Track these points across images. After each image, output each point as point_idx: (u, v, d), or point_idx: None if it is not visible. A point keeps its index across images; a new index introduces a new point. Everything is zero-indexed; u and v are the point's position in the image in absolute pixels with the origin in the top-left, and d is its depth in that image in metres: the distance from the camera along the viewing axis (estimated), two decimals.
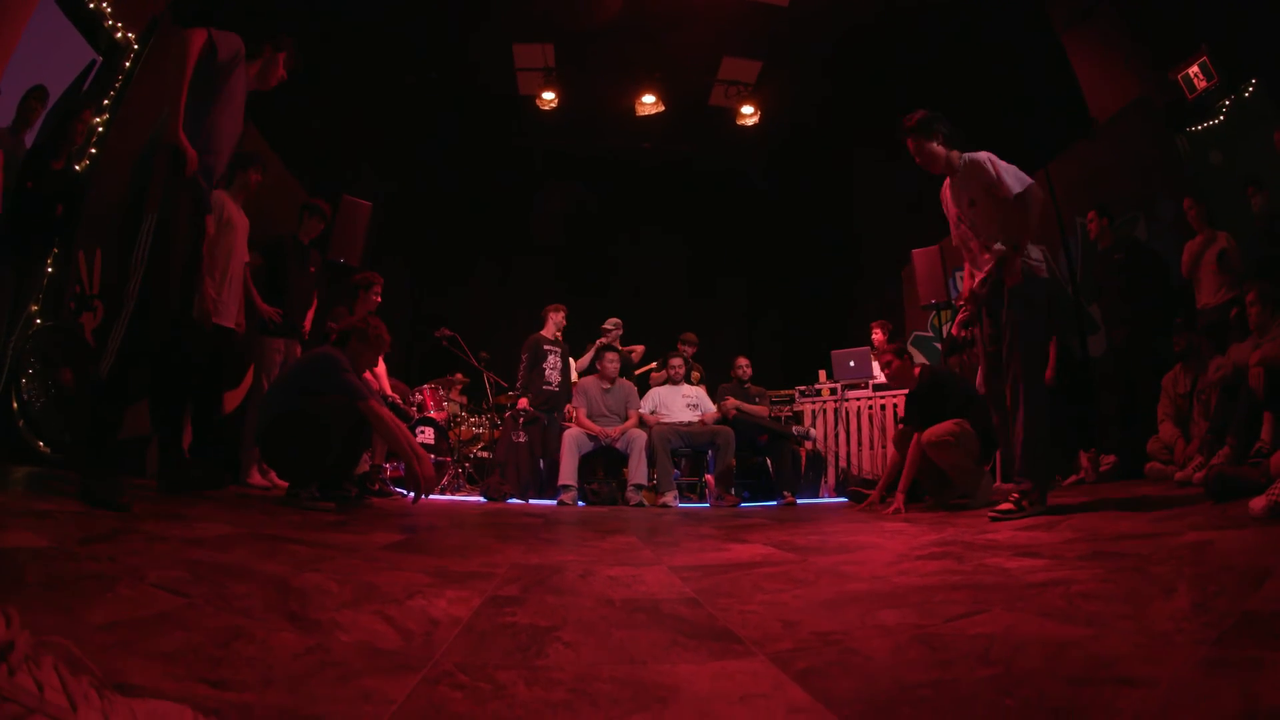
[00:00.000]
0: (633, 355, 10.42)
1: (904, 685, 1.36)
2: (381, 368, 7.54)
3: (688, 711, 1.23)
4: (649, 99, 11.87)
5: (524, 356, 9.09)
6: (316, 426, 4.99)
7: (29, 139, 5.94)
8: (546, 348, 9.07)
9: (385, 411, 5.27)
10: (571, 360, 9.66)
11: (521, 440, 8.64)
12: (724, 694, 1.33)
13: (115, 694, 0.90)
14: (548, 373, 8.92)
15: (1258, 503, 3.11)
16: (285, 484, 5.65)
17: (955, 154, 5.06)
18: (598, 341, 9.65)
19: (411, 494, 5.33)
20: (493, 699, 1.27)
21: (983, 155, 4.88)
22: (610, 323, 9.99)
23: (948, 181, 5.21)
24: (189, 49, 4.30)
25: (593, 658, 1.58)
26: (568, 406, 9.00)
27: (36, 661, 0.83)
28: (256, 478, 6.56)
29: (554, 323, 9.24)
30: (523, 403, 8.78)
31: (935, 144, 5.07)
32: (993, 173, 4.75)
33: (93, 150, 6.22)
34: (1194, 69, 7.54)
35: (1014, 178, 4.70)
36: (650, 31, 10.65)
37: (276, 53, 4.86)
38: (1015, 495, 4.40)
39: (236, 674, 1.31)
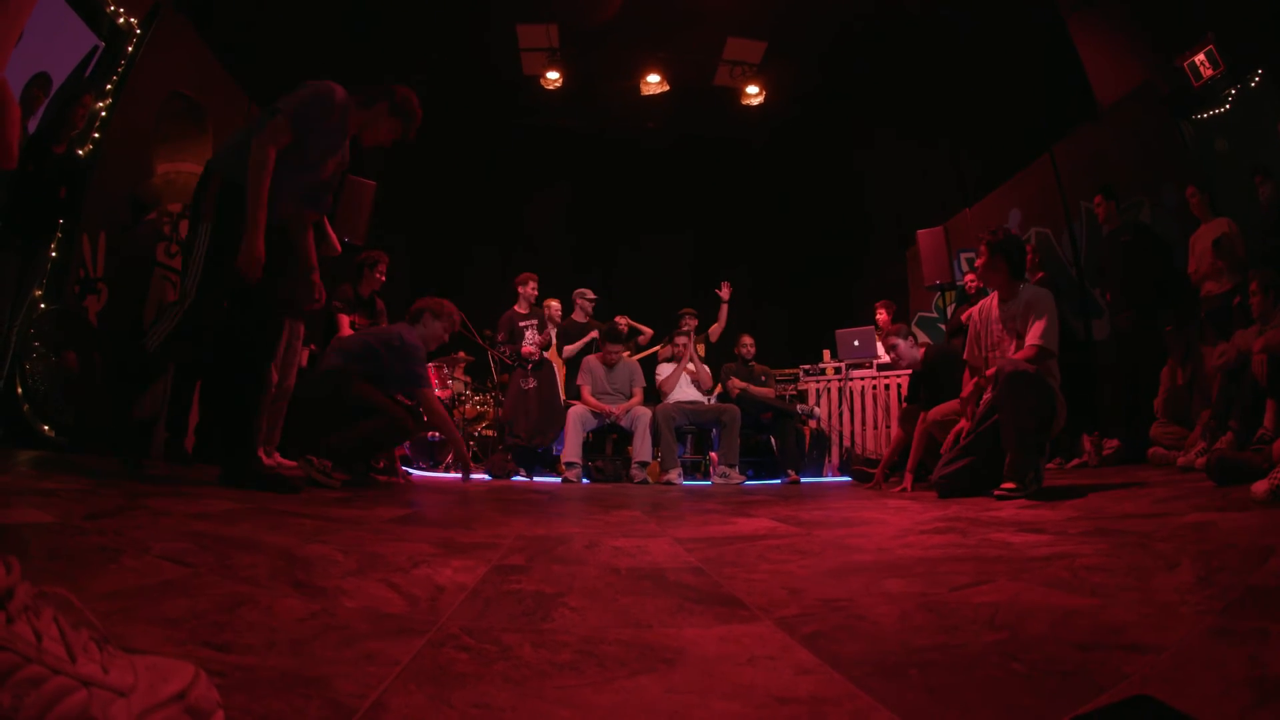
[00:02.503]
0: (640, 339, 10.43)
1: (911, 649, 1.36)
2: None
3: (695, 672, 1.23)
4: (654, 79, 11.81)
5: (500, 336, 9.11)
6: (363, 417, 5.15)
7: (31, 126, 5.93)
8: (522, 324, 9.07)
9: (438, 401, 5.69)
10: (552, 328, 9.65)
11: (531, 386, 8.66)
12: (731, 656, 1.33)
13: (115, 648, 0.89)
14: (526, 348, 8.91)
15: (1260, 486, 3.11)
16: (291, 463, 5.66)
17: (1019, 284, 5.09)
18: (590, 335, 9.64)
19: (460, 474, 5.77)
20: (499, 660, 1.27)
21: (1046, 296, 4.91)
22: (585, 293, 10.05)
23: (995, 299, 5.23)
24: (264, 173, 4.00)
25: (599, 621, 1.58)
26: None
27: (36, 611, 0.82)
28: (262, 458, 6.56)
29: (524, 296, 9.24)
30: (526, 349, 8.79)
31: (1005, 265, 5.08)
32: (1039, 317, 4.80)
33: (95, 135, 6.21)
34: (1200, 56, 7.47)
35: (1046, 330, 4.73)
36: (654, 11, 10.59)
37: (391, 115, 4.68)
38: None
39: (240, 638, 1.31)
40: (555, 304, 9.92)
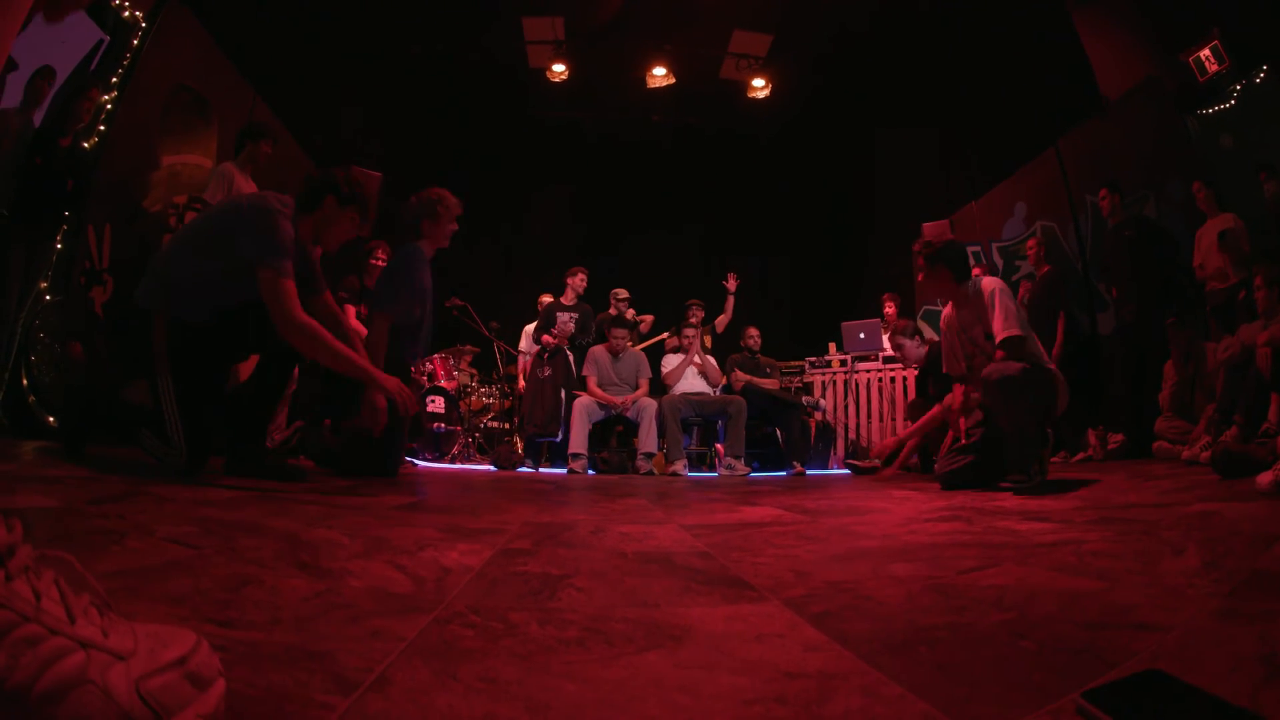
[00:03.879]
0: (641, 326, 10.43)
1: (919, 627, 1.36)
2: None
3: (702, 649, 1.23)
4: (660, 71, 11.81)
5: (539, 322, 9.08)
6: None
7: (37, 119, 5.95)
8: (559, 314, 9.06)
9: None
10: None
11: (546, 375, 8.65)
12: (738, 634, 1.33)
13: (116, 614, 0.89)
14: (545, 337, 8.89)
15: (1264, 478, 3.13)
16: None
17: (964, 286, 4.98)
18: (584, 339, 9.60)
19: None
20: (505, 636, 1.27)
21: (988, 284, 4.79)
22: (619, 293, 10.04)
23: (951, 307, 5.15)
24: None
25: (605, 601, 1.58)
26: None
27: (37, 572, 0.81)
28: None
29: (572, 287, 9.25)
30: (547, 339, 8.78)
31: (948, 271, 4.97)
32: (991, 307, 4.70)
33: (101, 128, 6.22)
34: (1205, 52, 7.50)
35: (1005, 319, 4.62)
36: (660, 4, 10.61)
37: (343, 207, 4.14)
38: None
39: (244, 615, 1.30)
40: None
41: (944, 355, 5.26)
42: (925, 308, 11.99)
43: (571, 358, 8.87)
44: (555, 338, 8.78)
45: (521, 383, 9.69)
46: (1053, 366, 4.70)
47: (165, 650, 0.85)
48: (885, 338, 9.77)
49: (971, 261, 10.30)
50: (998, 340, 4.62)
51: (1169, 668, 1.04)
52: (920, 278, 5.15)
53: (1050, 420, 4.61)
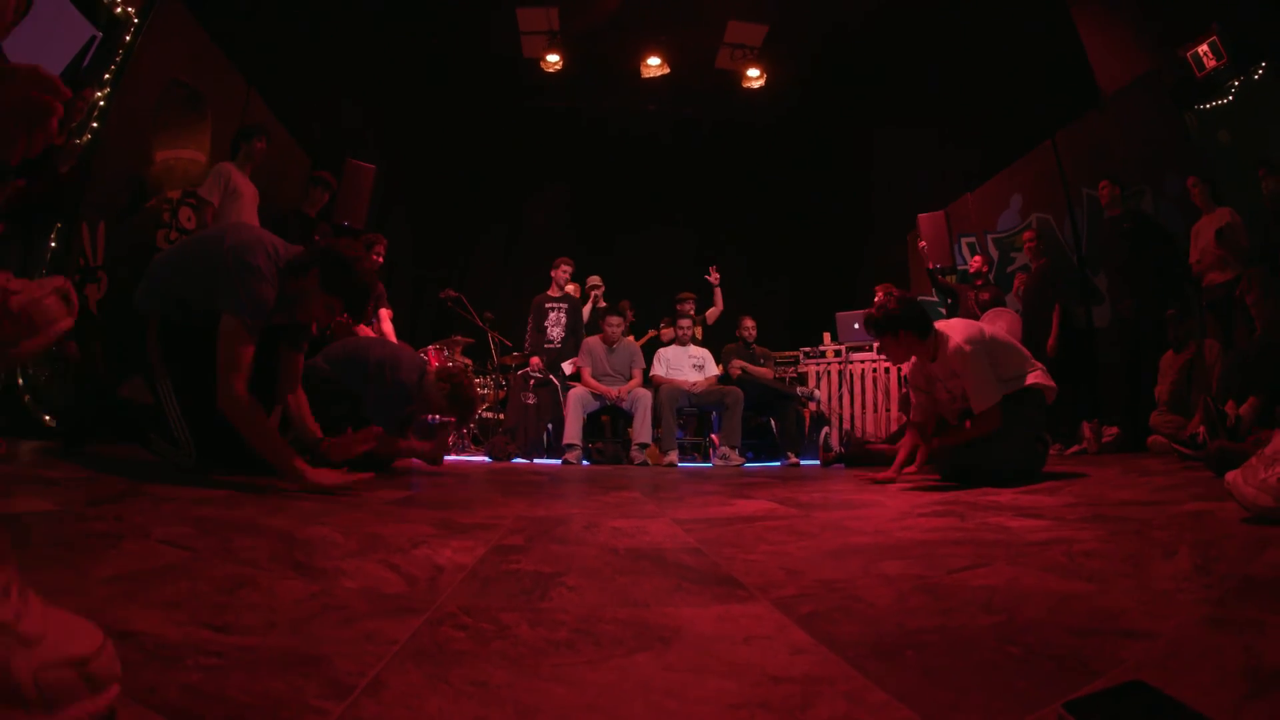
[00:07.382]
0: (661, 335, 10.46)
1: (907, 630, 1.36)
2: (388, 326, 7.58)
3: (691, 651, 1.24)
4: (654, 61, 11.80)
5: (530, 320, 9.12)
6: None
7: None
8: (548, 305, 9.10)
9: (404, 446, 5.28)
10: (584, 312, 9.70)
11: (530, 402, 8.64)
12: (727, 635, 1.34)
13: (33, 594, 0.89)
14: (549, 330, 8.93)
15: (1232, 475, 3.12)
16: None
17: (932, 338, 4.59)
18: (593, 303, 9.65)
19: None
20: (496, 638, 1.28)
21: (955, 347, 4.44)
22: (593, 280, 10.15)
23: (921, 362, 4.74)
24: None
25: (596, 601, 1.59)
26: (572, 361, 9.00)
27: None
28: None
29: (556, 279, 9.27)
30: (535, 361, 8.79)
31: (908, 335, 4.56)
32: (966, 381, 4.43)
33: (94, 125, 6.20)
34: (1203, 47, 7.48)
35: (979, 390, 4.36)
36: None
37: (325, 290, 3.65)
38: None
39: (240, 619, 1.31)
40: (572, 286, 9.94)
41: (919, 409, 4.92)
42: (920, 297, 11.96)
43: (559, 385, 8.82)
44: (539, 370, 8.78)
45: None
46: (1034, 377, 4.58)
47: (70, 645, 0.85)
48: None
49: (967, 253, 10.42)
50: (976, 412, 4.39)
51: (1153, 678, 1.05)
52: (878, 346, 4.70)
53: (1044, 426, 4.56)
